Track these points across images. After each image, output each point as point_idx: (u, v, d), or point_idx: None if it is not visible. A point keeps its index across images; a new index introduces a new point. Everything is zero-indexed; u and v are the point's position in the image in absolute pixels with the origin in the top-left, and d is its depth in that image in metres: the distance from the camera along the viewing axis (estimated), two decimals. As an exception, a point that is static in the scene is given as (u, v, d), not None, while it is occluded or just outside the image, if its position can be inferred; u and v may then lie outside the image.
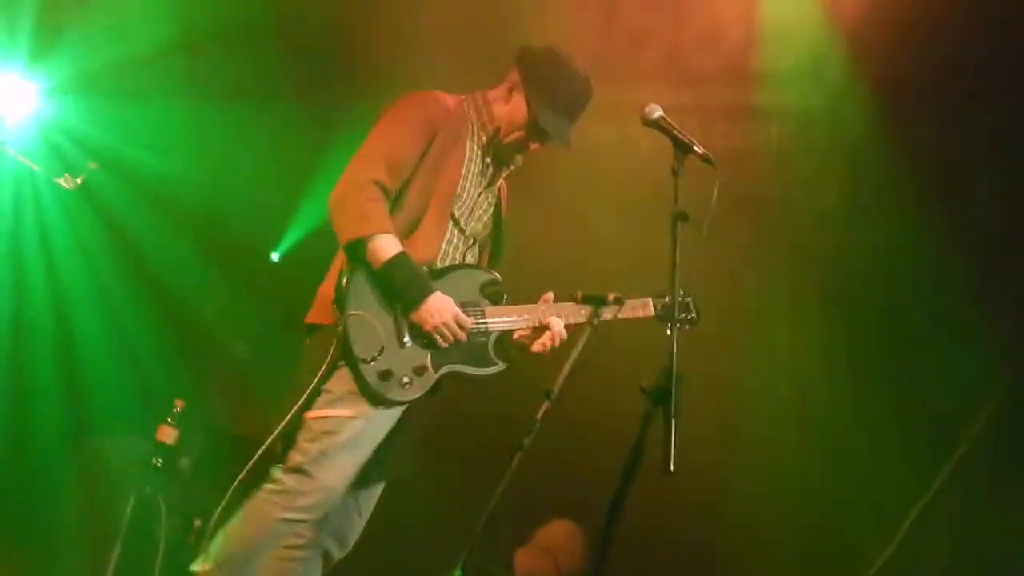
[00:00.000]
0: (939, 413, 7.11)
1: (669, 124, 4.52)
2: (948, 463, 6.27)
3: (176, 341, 8.91)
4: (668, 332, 4.89)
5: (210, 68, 8.69)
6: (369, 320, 4.93)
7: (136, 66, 8.52)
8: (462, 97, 5.47)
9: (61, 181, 7.57)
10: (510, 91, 5.41)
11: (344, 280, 5.02)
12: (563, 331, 5.28)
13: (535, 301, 5.37)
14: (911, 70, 7.44)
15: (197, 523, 7.54)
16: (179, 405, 7.81)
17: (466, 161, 5.34)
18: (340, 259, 5.17)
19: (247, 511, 5.14)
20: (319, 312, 5.20)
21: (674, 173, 4.38)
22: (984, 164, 7.41)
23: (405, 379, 5.02)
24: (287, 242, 9.70)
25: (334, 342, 4.94)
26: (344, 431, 5.00)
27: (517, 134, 5.39)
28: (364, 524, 5.44)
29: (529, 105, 5.31)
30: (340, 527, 5.35)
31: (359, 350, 4.94)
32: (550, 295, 5.37)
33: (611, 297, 5.06)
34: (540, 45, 5.46)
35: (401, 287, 5.01)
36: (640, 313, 5.40)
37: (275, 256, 9.79)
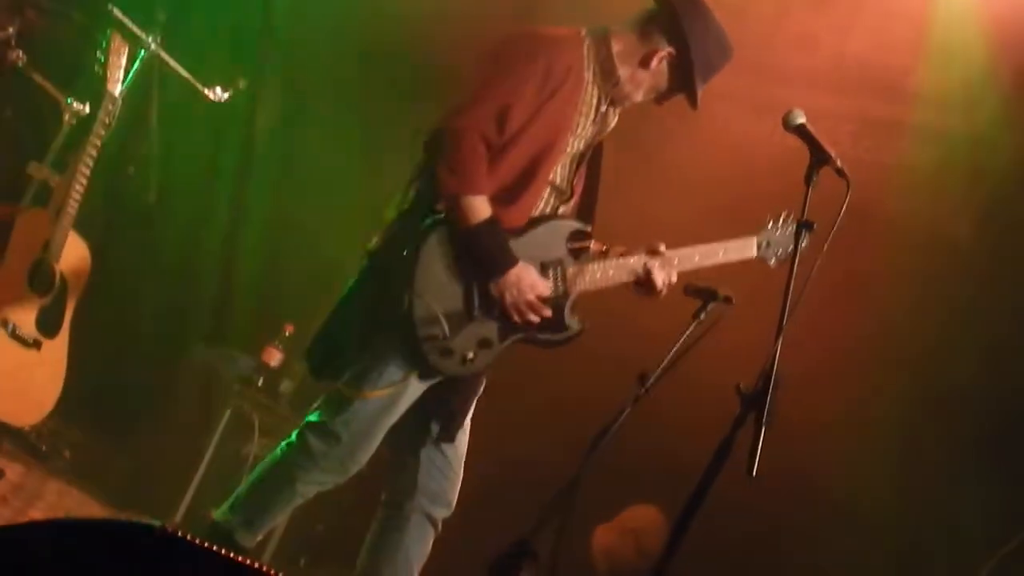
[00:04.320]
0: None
1: (810, 132, 4.42)
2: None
3: (303, 267, 8.98)
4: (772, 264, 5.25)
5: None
6: (437, 297, 4.76)
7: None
8: (582, 34, 5.11)
9: (210, 93, 7.64)
10: (650, 53, 5.05)
11: (415, 249, 4.79)
12: (668, 280, 5.16)
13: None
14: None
15: (287, 447, 7.65)
16: (288, 329, 7.90)
17: (578, 117, 5.04)
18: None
19: (269, 465, 5.11)
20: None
21: (807, 181, 4.28)
22: None
23: (469, 354, 4.87)
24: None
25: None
26: (382, 402, 4.90)
27: (649, 95, 5.18)
28: (459, 480, 5.27)
29: (682, 77, 5.06)
30: (436, 489, 5.20)
31: (423, 330, 4.77)
32: (662, 246, 5.17)
33: (722, 295, 4.85)
34: None
35: (482, 255, 4.82)
36: (739, 255, 5.32)
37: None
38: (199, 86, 7.63)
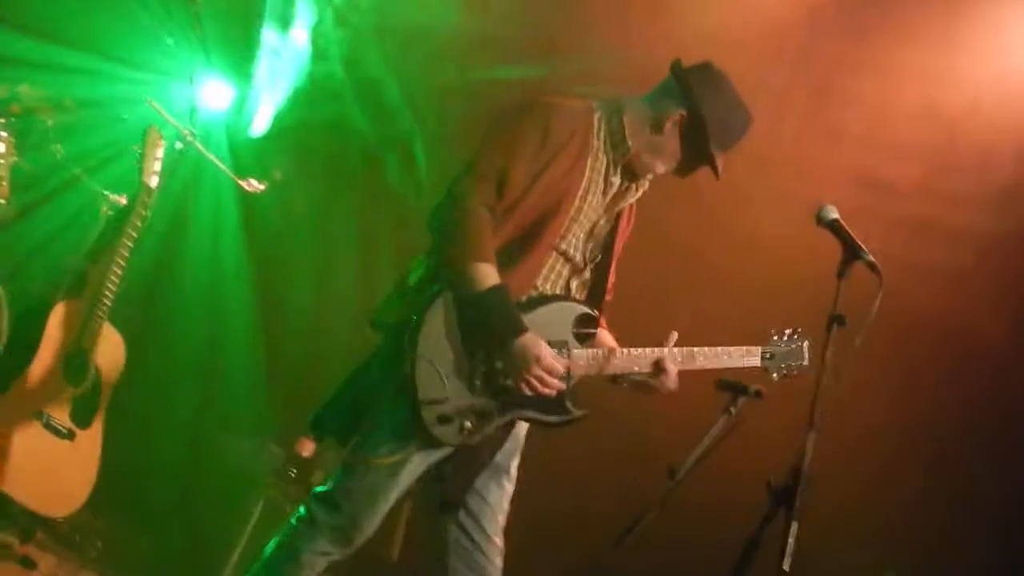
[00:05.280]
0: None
1: (843, 227, 4.44)
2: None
3: (338, 356, 9.02)
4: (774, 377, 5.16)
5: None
6: (438, 362, 4.65)
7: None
8: (594, 105, 5.09)
9: (245, 184, 7.72)
10: (663, 118, 4.99)
11: (424, 305, 4.70)
12: (674, 380, 5.05)
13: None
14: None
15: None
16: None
17: (585, 182, 4.94)
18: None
19: (277, 539, 5.04)
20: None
21: (839, 276, 4.30)
22: None
23: (467, 424, 4.70)
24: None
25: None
26: (384, 470, 4.78)
27: (667, 164, 5.06)
28: (500, 560, 5.09)
29: (697, 142, 4.96)
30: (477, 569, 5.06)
31: (424, 392, 4.63)
32: (674, 335, 5.06)
33: (753, 389, 4.67)
34: (698, 62, 5.08)
35: (490, 322, 4.66)
36: (741, 362, 5.22)
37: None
38: (234, 177, 7.71)
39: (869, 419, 7.28)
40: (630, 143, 5.03)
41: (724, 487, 6.04)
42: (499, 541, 5.14)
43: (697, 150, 5.01)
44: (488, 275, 4.64)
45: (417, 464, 4.83)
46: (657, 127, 5.02)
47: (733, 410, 4.80)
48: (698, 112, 4.96)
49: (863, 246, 4.37)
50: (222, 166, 7.71)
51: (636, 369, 5.07)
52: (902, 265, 7.27)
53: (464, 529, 5.07)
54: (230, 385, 9.29)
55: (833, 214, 4.50)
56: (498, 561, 5.12)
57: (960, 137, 7.82)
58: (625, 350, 5.06)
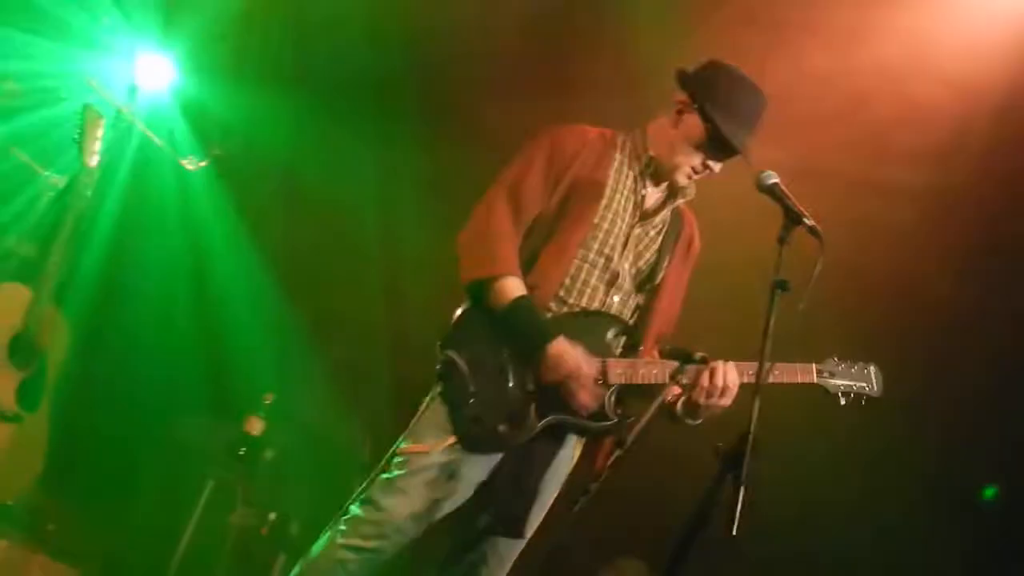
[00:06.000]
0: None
1: (783, 192, 4.40)
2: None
3: (278, 335, 9.00)
4: (842, 402, 5.00)
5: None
6: (469, 363, 4.77)
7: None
8: (619, 132, 5.20)
9: (186, 162, 7.68)
10: (679, 112, 5.02)
11: (456, 318, 4.90)
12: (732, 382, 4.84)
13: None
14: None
15: (271, 516, 7.62)
16: (269, 398, 7.89)
17: (608, 192, 4.99)
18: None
19: (320, 544, 4.91)
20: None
21: (780, 241, 4.26)
22: None
23: (501, 427, 4.75)
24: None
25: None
26: (419, 466, 4.77)
27: (690, 156, 5.00)
28: None
29: (707, 117, 4.92)
30: None
31: (454, 393, 4.78)
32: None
33: (698, 355, 4.81)
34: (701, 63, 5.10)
35: (519, 333, 4.78)
36: (799, 379, 5.01)
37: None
38: (176, 155, 7.67)
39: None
40: (651, 151, 5.09)
41: (677, 455, 6.03)
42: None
43: (712, 133, 4.96)
44: (513, 288, 4.77)
45: (461, 470, 4.81)
46: (672, 124, 5.05)
47: (678, 377, 4.83)
48: (699, 88, 4.99)
49: (804, 210, 4.34)
50: (160, 143, 7.65)
51: (673, 378, 4.92)
52: (850, 226, 7.35)
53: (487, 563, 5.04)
54: (180, 365, 9.24)
55: (772, 179, 4.46)
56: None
57: (900, 95, 7.81)
58: (662, 360, 4.98)
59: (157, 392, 8.89)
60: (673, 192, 5.17)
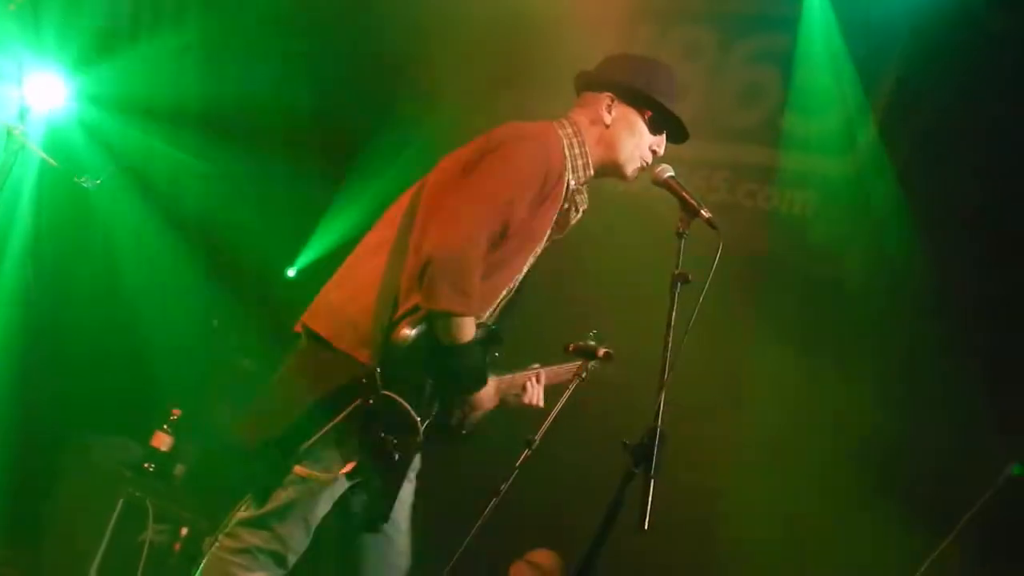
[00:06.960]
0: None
1: (679, 186, 4.41)
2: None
3: (180, 350, 8.92)
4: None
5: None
6: (404, 400, 4.57)
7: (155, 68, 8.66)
8: (557, 129, 4.86)
9: (82, 181, 7.60)
10: (607, 108, 4.88)
11: (398, 349, 4.54)
12: (539, 396, 5.07)
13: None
14: (945, 143, 7.39)
15: (184, 531, 7.56)
16: (176, 413, 7.85)
17: (550, 230, 4.86)
18: (373, 284, 4.66)
19: (208, 567, 4.75)
20: (350, 341, 4.61)
21: (679, 235, 4.27)
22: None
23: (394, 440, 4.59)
24: (304, 259, 9.73)
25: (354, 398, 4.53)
26: (320, 490, 4.63)
27: (639, 145, 4.90)
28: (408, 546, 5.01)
29: (649, 103, 4.86)
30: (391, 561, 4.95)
31: (386, 427, 4.55)
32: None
33: (601, 352, 4.88)
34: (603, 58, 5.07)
35: (464, 372, 4.64)
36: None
37: (291, 272, 9.83)
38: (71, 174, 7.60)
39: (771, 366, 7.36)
40: (592, 162, 4.91)
41: (589, 453, 6.06)
42: (407, 528, 5.04)
43: (653, 117, 4.92)
44: (471, 329, 4.55)
45: (343, 483, 4.71)
46: (599, 123, 4.91)
47: (585, 374, 4.86)
48: (625, 81, 4.92)
49: (700, 203, 4.35)
50: (53, 163, 7.56)
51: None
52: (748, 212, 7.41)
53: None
54: (90, 382, 9.14)
55: (668, 172, 4.48)
56: (407, 549, 5.04)
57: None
58: (508, 375, 5.03)
59: (62, 410, 8.80)
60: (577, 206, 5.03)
